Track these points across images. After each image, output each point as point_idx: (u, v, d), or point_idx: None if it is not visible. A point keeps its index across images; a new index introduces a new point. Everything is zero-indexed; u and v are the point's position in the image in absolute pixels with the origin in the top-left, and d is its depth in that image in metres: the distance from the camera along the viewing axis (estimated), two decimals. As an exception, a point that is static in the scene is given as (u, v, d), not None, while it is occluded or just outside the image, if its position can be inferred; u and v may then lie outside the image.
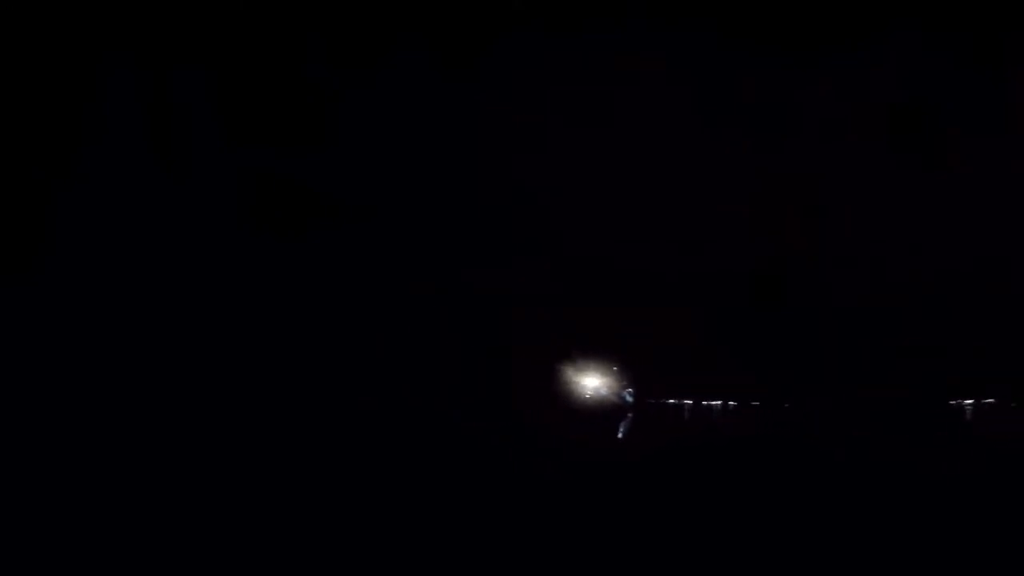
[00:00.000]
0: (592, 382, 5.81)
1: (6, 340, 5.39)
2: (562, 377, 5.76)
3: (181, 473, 5.30)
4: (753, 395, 5.91)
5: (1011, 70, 5.65)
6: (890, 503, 5.56)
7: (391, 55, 5.69)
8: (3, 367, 5.34)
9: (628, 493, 5.62)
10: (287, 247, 5.64)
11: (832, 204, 5.73)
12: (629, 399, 5.93)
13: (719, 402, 5.93)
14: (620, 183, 5.75)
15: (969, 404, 5.73)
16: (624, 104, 5.73)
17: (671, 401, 5.98)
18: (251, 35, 5.66)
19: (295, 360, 5.60)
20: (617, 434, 5.86)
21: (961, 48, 5.66)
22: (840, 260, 5.73)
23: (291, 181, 5.66)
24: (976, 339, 5.67)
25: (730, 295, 5.77)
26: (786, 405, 5.88)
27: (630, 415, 5.90)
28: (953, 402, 5.74)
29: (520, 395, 5.70)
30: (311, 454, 5.45)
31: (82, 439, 5.33)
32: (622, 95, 5.73)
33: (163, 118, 5.62)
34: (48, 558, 4.96)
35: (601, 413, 5.83)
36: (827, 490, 5.64)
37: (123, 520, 5.13)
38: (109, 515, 5.15)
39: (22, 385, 5.33)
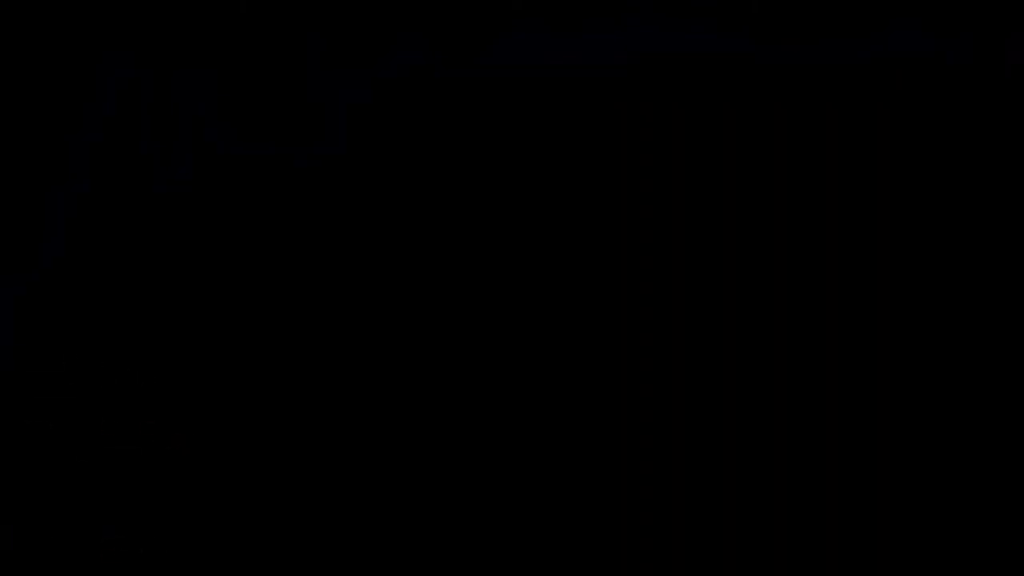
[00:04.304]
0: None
1: (5, 339, 5.40)
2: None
3: (177, 467, 5.31)
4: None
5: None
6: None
7: (391, 55, 5.70)
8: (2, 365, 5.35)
9: None
10: (286, 246, 5.66)
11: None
12: None
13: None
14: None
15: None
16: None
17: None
18: (250, 35, 5.68)
19: (299, 357, 5.61)
20: None
21: (961, 48, 5.68)
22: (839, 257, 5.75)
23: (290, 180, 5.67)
24: (975, 338, 5.68)
25: None
26: None
27: None
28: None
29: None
30: (319, 450, 5.46)
31: (80, 436, 5.35)
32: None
33: (162, 117, 5.64)
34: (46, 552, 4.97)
35: None
36: None
37: (118, 519, 5.14)
38: (104, 514, 5.16)
39: (21, 383, 5.35)
